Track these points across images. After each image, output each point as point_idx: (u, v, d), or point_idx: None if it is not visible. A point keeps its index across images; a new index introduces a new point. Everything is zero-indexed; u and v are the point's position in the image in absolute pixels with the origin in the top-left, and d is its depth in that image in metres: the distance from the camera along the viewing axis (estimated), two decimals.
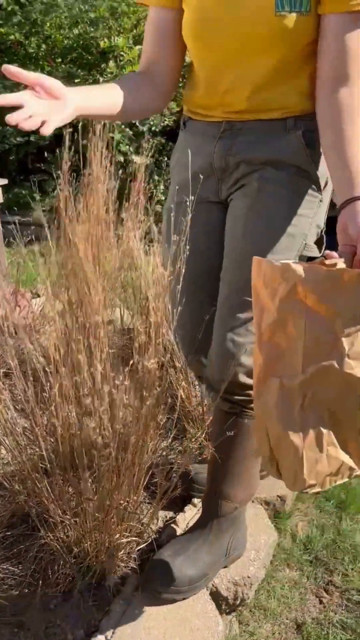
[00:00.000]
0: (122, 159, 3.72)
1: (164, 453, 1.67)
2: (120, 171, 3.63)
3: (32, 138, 4.24)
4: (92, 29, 3.38)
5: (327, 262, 0.95)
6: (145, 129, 3.72)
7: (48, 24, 3.90)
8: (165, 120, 3.74)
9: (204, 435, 1.73)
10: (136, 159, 4.06)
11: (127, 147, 3.70)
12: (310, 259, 1.18)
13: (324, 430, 0.94)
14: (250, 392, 1.06)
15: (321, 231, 1.23)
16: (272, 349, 0.94)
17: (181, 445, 1.72)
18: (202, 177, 1.22)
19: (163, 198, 3.68)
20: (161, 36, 1.21)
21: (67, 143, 1.65)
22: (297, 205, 1.16)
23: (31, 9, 3.75)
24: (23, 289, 2.40)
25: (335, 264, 0.92)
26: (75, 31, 3.42)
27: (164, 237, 1.32)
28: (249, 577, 1.37)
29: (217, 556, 1.32)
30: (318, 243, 1.22)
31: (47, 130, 0.87)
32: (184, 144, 1.28)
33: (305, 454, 0.93)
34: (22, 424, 1.27)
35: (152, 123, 3.71)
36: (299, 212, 1.16)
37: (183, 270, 1.19)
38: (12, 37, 3.92)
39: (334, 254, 0.93)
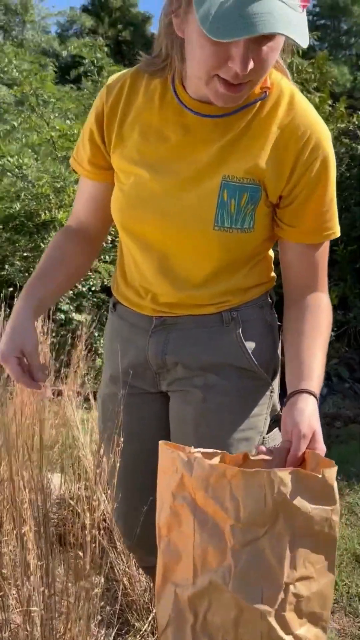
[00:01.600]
0: (62, 316, 3.79)
1: None
2: (61, 329, 3.68)
3: None
4: (33, 203, 3.63)
5: (252, 456, 0.86)
6: (85, 289, 3.84)
7: None
8: (104, 280, 3.90)
9: (150, 628, 1.55)
10: (78, 317, 4.14)
11: (68, 305, 3.79)
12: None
13: None
14: None
15: (277, 412, 1.14)
16: (170, 548, 0.81)
17: None
18: (137, 370, 1.12)
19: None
20: (92, 203, 1.14)
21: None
22: (248, 409, 1.08)
23: None
24: None
25: (262, 459, 0.83)
26: (17, 205, 3.65)
27: (100, 426, 1.24)
28: None
29: None
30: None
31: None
32: (115, 329, 1.18)
33: None
34: None
35: (91, 283, 3.86)
36: (252, 414, 1.08)
37: (118, 464, 1.12)
38: None
39: (263, 448, 0.85)
